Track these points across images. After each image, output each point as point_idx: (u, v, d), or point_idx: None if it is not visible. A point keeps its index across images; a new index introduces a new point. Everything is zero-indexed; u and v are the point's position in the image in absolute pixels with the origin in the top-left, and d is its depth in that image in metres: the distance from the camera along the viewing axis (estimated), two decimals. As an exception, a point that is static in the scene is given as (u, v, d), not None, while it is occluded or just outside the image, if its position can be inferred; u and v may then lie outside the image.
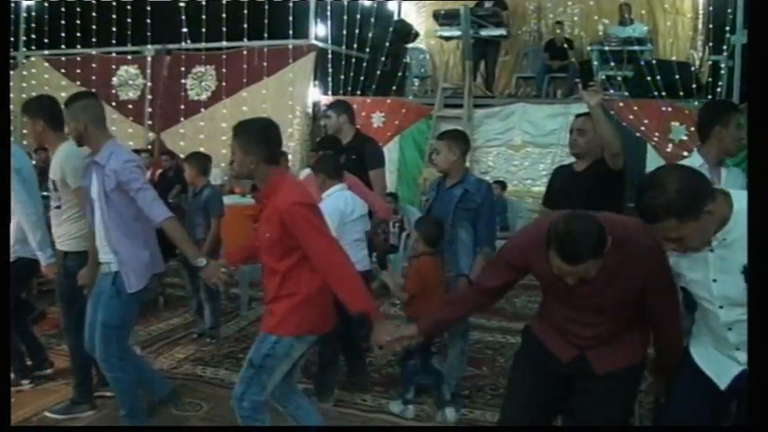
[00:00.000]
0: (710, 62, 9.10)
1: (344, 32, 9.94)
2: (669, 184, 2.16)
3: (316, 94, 10.06)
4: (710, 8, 9.09)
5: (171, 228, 3.51)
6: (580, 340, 2.69)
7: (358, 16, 9.88)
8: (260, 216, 3.15)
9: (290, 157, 9.53)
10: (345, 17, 9.89)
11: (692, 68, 8.86)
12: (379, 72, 9.69)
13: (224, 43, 10.41)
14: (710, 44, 8.95)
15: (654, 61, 8.62)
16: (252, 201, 7.20)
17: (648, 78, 8.33)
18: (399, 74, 9.92)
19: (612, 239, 2.37)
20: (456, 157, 4.15)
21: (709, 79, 8.77)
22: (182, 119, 10.64)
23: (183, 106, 10.60)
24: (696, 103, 7.89)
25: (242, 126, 3.10)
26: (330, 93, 9.87)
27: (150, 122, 10.82)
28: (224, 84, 10.46)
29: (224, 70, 10.46)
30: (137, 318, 4.14)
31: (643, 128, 8.30)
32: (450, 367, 4.27)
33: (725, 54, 8.40)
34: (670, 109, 8.21)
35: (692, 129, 8.02)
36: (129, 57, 11.13)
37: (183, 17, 10.29)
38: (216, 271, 3.40)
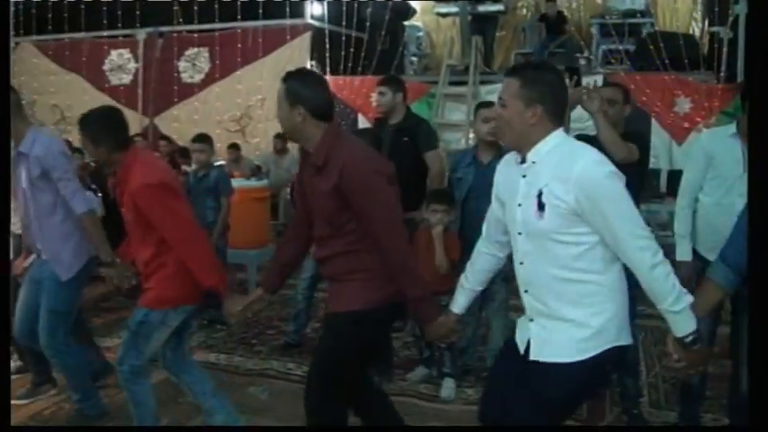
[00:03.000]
0: (710, 34, 9.04)
1: (343, 11, 9.85)
2: (551, 67, 2.45)
3: (313, 75, 9.90)
4: (711, -22, 9.03)
5: (88, 222, 3.58)
6: (322, 271, 2.87)
7: (354, -6, 9.74)
8: (120, 200, 3.25)
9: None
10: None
11: (701, 41, 8.79)
12: (378, 50, 9.55)
13: (217, 24, 10.28)
14: (711, 16, 8.90)
15: (657, 33, 8.54)
16: (256, 184, 7.19)
17: (652, 50, 8.24)
18: (398, 52, 9.80)
19: (332, 141, 2.63)
20: None
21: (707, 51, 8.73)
22: (175, 102, 10.50)
23: (176, 89, 10.47)
24: (702, 75, 7.85)
25: (86, 119, 3.20)
26: (329, 72, 9.74)
27: (143, 107, 10.66)
28: (217, 65, 10.32)
29: (217, 51, 10.31)
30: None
31: (645, 98, 8.22)
32: (496, 345, 4.18)
33: (726, 26, 8.34)
34: (673, 80, 8.13)
35: (697, 97, 8.05)
36: (121, 40, 10.95)
37: (175, -2, 10.13)
38: (121, 273, 3.57)
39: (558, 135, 2.30)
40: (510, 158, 2.47)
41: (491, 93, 9.09)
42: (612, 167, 2.24)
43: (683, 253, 3.51)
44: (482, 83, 9.13)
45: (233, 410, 3.50)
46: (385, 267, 2.67)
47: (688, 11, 10.06)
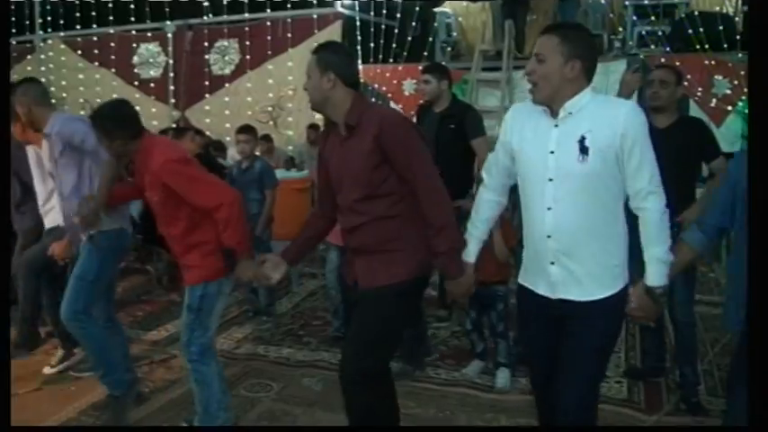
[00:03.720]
0: (743, 13, 8.87)
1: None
2: (585, 27, 2.65)
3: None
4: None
5: (107, 167, 3.53)
6: (350, 242, 2.87)
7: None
8: (141, 186, 3.35)
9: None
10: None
11: (735, 20, 8.60)
12: (410, 38, 9.46)
13: (246, 15, 10.21)
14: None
15: (694, 14, 8.39)
16: (297, 174, 7.18)
17: (690, 32, 8.09)
18: (429, 39, 9.70)
19: (363, 105, 2.74)
20: None
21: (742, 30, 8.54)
22: (206, 95, 10.47)
23: (207, 82, 10.42)
24: (740, 55, 7.70)
25: (97, 115, 3.30)
26: (360, 62, 9.68)
27: (174, 100, 10.65)
28: (248, 57, 10.25)
29: (247, 43, 10.24)
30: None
31: (686, 83, 8.09)
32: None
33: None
34: (713, 62, 7.98)
35: (736, 82, 7.90)
36: (149, 34, 10.90)
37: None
38: (94, 214, 3.52)
39: (590, 90, 2.45)
40: (525, 108, 2.58)
41: (524, 78, 9.01)
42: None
43: None
44: (515, 68, 9.01)
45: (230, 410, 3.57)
46: (422, 231, 2.71)
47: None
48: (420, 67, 9.20)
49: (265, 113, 10.15)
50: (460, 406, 3.95)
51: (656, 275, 2.45)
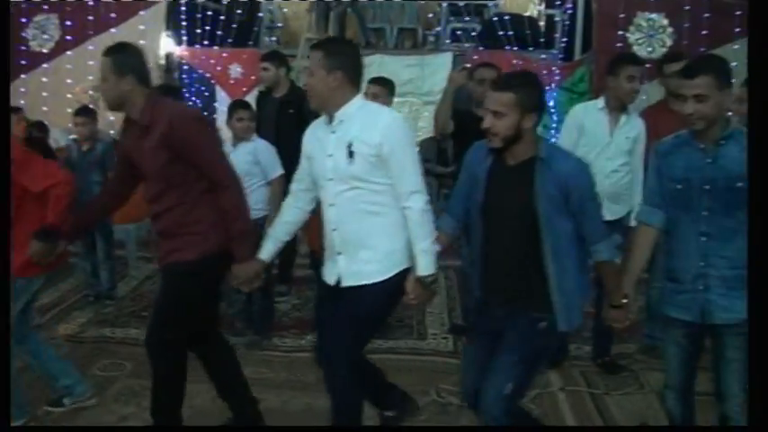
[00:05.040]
0: (546, 16, 9.81)
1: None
2: (349, 41, 3.11)
3: (170, 46, 9.62)
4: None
5: None
6: (154, 227, 3.17)
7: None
8: None
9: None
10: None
11: (539, 22, 9.50)
12: (235, 24, 9.51)
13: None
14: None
15: (504, 14, 9.18)
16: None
17: (499, 30, 8.87)
18: (255, 24, 9.79)
19: (154, 102, 2.93)
20: None
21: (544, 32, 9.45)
22: (22, 74, 9.83)
23: (23, 60, 9.79)
24: (543, 55, 8.60)
25: None
26: (185, 43, 9.58)
27: (-13, 78, 9.92)
28: (68, 33, 9.74)
29: (68, 18, 9.73)
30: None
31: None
32: None
33: (560, 8, 9.20)
34: (520, 61, 8.75)
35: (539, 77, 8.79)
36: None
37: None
38: None
39: (359, 98, 2.83)
40: (318, 122, 2.94)
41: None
42: None
43: None
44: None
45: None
46: (215, 216, 2.98)
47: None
48: (245, 53, 9.41)
49: (86, 95, 9.78)
50: (308, 368, 4.30)
51: (425, 265, 2.77)
